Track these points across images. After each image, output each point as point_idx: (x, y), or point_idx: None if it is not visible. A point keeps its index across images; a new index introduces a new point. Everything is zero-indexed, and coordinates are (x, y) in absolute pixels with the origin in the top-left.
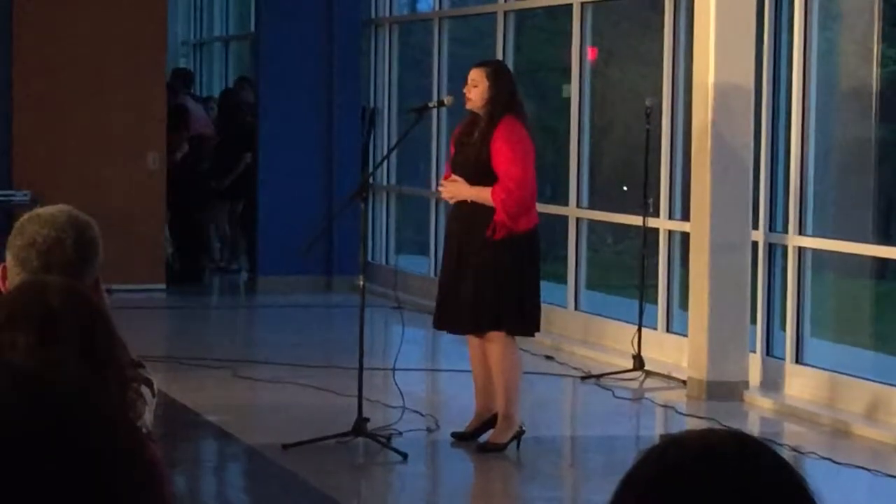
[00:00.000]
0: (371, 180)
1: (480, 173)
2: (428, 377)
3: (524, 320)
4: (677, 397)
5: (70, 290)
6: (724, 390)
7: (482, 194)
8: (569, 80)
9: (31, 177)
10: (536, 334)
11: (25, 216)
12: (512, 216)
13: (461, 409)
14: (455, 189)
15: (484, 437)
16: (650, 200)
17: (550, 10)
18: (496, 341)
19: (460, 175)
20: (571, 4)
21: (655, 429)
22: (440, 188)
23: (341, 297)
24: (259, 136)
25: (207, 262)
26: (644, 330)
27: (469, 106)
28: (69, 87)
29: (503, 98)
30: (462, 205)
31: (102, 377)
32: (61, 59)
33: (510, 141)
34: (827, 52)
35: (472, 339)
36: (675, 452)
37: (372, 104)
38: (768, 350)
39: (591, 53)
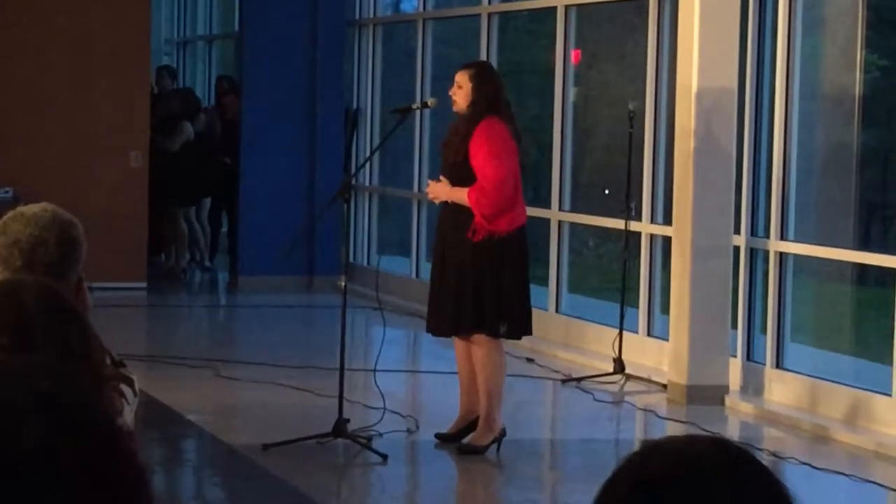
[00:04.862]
0: (353, 181)
1: (461, 174)
2: (409, 378)
3: (507, 323)
4: (658, 401)
5: (44, 289)
6: (705, 395)
7: (460, 195)
8: (552, 83)
9: (13, 174)
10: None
11: (9, 214)
12: (488, 217)
13: (442, 410)
14: (437, 190)
15: (466, 439)
16: (633, 204)
17: (535, 12)
18: (481, 344)
19: (446, 176)
20: (556, 7)
21: (635, 432)
22: (426, 190)
23: (323, 298)
24: (241, 136)
25: (172, 260)
26: (625, 333)
27: (455, 108)
28: (52, 84)
29: (485, 100)
30: (447, 206)
31: (77, 375)
32: (44, 57)
33: (487, 141)
34: (810, 58)
35: (458, 341)
36: (656, 459)
37: (355, 105)
38: (749, 355)
39: (574, 56)
